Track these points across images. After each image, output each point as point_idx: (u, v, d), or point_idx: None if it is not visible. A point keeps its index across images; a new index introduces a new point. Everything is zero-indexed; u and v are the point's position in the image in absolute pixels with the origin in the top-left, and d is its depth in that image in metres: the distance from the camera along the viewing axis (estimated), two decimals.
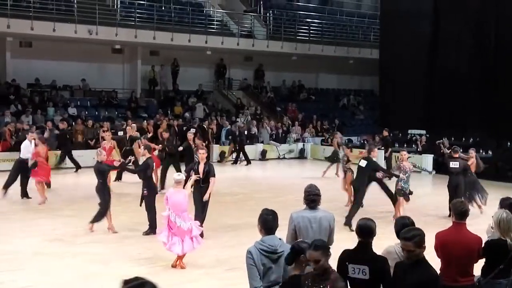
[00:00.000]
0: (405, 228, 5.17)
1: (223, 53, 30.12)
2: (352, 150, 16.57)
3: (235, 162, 24.64)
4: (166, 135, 17.63)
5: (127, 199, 14.18)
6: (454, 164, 13.54)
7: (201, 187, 11.01)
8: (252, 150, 25.89)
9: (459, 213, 5.86)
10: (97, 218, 11.49)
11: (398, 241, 5.59)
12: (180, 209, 9.24)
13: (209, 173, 11.04)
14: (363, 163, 12.66)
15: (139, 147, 15.97)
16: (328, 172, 19.99)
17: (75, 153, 21.19)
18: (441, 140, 22.80)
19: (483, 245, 5.94)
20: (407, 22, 26.02)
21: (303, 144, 27.68)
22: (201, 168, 11.03)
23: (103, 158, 12.05)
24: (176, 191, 9.46)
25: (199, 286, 8.63)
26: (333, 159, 19.93)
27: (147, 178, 11.70)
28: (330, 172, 20.02)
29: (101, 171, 11.61)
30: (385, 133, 21.72)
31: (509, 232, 5.81)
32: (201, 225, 10.01)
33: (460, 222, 5.86)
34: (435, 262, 6.03)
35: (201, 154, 11.17)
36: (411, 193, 12.89)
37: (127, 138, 18.35)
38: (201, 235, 9.81)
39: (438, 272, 5.96)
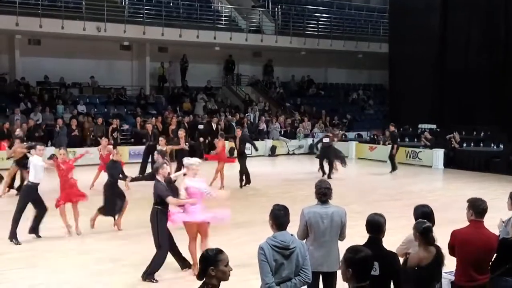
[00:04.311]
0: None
1: (231, 48, 30.07)
2: None
3: None
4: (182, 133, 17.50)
5: (135, 197, 14.13)
6: (326, 139, 19.07)
7: None
8: (261, 146, 25.84)
9: (479, 211, 5.79)
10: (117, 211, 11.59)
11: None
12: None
13: None
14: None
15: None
16: None
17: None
18: (452, 135, 22.71)
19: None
20: (416, 15, 25.90)
21: (313, 140, 27.57)
22: None
23: (119, 158, 11.98)
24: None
25: None
26: None
27: None
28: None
29: (112, 174, 11.64)
30: (392, 128, 21.47)
31: None
32: None
33: (479, 220, 5.80)
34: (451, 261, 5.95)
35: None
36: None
37: (150, 133, 18.55)
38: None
39: (454, 270, 5.89)
